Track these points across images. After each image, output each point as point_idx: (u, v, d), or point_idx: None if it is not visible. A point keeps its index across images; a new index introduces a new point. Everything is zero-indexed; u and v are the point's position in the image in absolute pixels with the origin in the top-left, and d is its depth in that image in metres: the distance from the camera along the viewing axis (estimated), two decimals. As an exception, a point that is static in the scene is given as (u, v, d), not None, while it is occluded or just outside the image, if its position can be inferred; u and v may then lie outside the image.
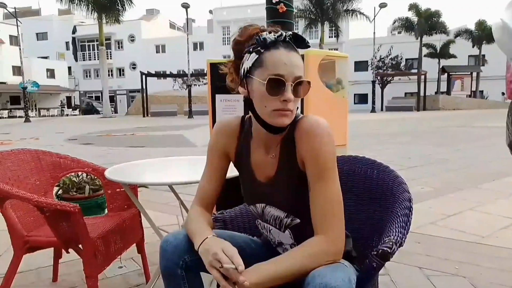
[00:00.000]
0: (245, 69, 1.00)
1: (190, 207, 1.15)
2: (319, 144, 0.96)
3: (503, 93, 29.83)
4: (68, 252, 1.71)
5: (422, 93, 30.35)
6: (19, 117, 33.03)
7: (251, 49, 0.99)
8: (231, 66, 1.08)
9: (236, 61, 1.06)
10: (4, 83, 37.88)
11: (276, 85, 0.96)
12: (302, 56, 1.02)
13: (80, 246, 1.61)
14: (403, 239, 0.96)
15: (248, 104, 1.03)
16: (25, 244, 1.68)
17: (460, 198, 3.75)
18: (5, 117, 35.04)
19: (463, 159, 6.35)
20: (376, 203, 1.28)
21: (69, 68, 47.32)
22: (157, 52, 46.63)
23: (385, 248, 0.89)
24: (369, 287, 1.02)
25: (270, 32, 0.99)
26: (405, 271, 2.13)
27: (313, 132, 0.97)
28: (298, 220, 1.06)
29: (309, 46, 1.02)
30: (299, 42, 1.00)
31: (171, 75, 33.58)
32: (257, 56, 0.98)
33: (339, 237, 0.95)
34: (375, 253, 0.90)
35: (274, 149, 1.05)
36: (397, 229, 1.00)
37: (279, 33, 0.98)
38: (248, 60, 0.99)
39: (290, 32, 0.99)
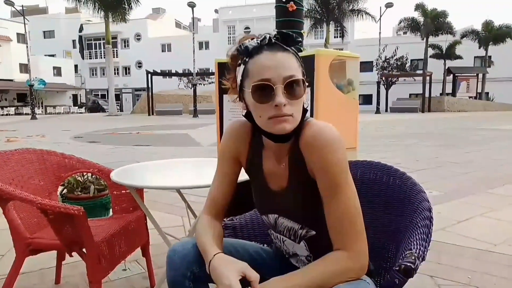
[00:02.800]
0: (238, 83, 0.95)
1: (199, 216, 1.10)
2: (326, 154, 0.89)
3: None
4: (71, 256, 1.67)
5: (427, 95, 30.14)
6: (26, 114, 33.26)
7: (239, 61, 0.94)
8: (232, 82, 1.01)
9: (234, 76, 1.00)
10: (11, 80, 38.12)
11: (263, 91, 0.89)
12: (298, 53, 0.94)
13: (84, 250, 1.57)
14: (425, 252, 0.91)
15: (249, 117, 0.97)
16: (28, 247, 1.64)
17: (470, 203, 3.68)
18: (12, 114, 35.28)
19: (472, 162, 6.25)
20: (392, 211, 1.23)
21: (76, 66, 47.59)
22: (162, 51, 46.76)
23: (408, 264, 0.84)
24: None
25: (252, 39, 0.93)
26: (416, 280, 2.03)
27: (317, 142, 0.90)
28: (313, 232, 1.00)
29: (299, 41, 0.94)
30: (287, 40, 0.92)
31: (176, 74, 33.60)
32: (244, 66, 0.92)
33: (363, 252, 0.90)
34: (397, 268, 0.85)
35: (284, 158, 0.99)
36: (418, 242, 0.94)
37: (263, 36, 0.92)
38: (239, 73, 0.94)
39: (275, 32, 0.93)
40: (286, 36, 0.92)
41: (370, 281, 0.93)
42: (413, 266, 0.84)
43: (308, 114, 0.98)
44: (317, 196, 0.94)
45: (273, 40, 0.91)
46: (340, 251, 0.89)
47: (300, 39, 0.95)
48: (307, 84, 0.96)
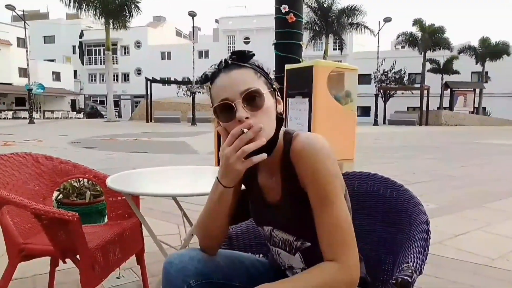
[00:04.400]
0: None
1: (195, 224, 1.09)
2: (314, 163, 0.88)
3: None
4: (65, 262, 1.65)
5: (424, 108, 30.34)
6: (24, 118, 33.16)
7: (208, 90, 0.96)
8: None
9: None
10: (10, 84, 38.10)
11: (224, 111, 0.89)
12: (258, 66, 0.94)
13: (77, 256, 1.55)
14: (422, 266, 0.90)
15: None
16: (21, 252, 1.62)
17: (467, 217, 3.67)
18: (9, 118, 35.17)
19: (469, 176, 6.27)
20: (390, 223, 1.22)
21: (75, 71, 47.65)
22: (162, 58, 46.95)
23: (405, 277, 0.83)
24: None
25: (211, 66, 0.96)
26: (412, 293, 2.05)
27: (306, 153, 0.89)
28: (308, 244, 0.99)
29: (253, 55, 0.95)
30: (242, 57, 0.93)
31: (175, 82, 33.69)
32: (210, 93, 0.94)
33: (354, 265, 0.88)
34: (394, 282, 0.84)
35: (276, 172, 0.98)
36: (415, 255, 0.93)
37: (220, 61, 0.94)
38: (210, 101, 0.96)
39: (231, 53, 0.94)
40: (241, 54, 0.93)
41: None
42: (410, 280, 0.83)
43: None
44: (311, 208, 0.93)
45: (229, 62, 0.92)
46: (331, 262, 0.88)
47: (253, 53, 0.95)
48: (277, 92, 0.96)
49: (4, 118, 34.49)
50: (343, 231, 0.89)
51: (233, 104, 0.88)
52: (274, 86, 0.96)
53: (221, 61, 0.93)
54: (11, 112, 37.10)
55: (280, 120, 0.96)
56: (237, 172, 0.88)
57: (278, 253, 1.07)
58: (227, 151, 0.87)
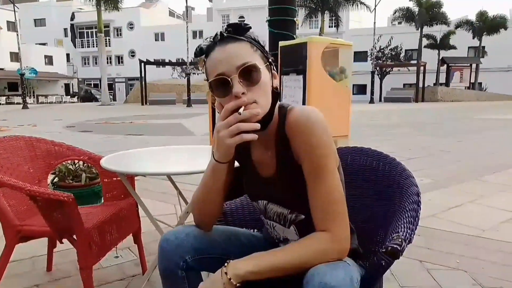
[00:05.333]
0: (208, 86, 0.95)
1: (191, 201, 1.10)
2: (309, 136, 0.89)
3: None
4: (62, 243, 1.67)
5: (421, 85, 30.24)
6: (17, 103, 32.84)
7: (203, 63, 0.94)
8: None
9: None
10: (2, 69, 37.53)
11: (220, 86, 0.88)
12: (254, 42, 0.92)
13: (74, 236, 1.56)
14: (412, 235, 0.91)
15: None
16: (18, 234, 1.63)
17: (461, 191, 3.72)
18: (2, 104, 34.79)
19: (464, 151, 6.31)
20: (382, 196, 1.23)
21: (68, 55, 46.91)
22: (156, 40, 46.23)
23: (394, 245, 0.85)
24: (376, 285, 0.98)
25: (206, 39, 0.94)
26: (405, 265, 2.09)
27: (300, 125, 0.90)
28: (302, 216, 1.00)
29: (249, 28, 0.93)
30: (238, 30, 0.91)
31: (170, 63, 33.28)
32: (205, 67, 0.93)
33: (345, 235, 0.90)
34: (383, 250, 0.86)
35: (271, 146, 0.99)
36: (405, 225, 0.95)
37: (215, 34, 0.92)
38: (205, 75, 0.94)
39: (226, 25, 0.92)
40: (237, 26, 0.91)
41: (352, 262, 0.93)
42: (399, 248, 0.85)
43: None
44: (305, 181, 0.94)
45: (225, 34, 0.91)
46: (323, 232, 0.89)
47: (250, 25, 0.93)
48: (272, 66, 0.95)
49: (-3, 104, 34.16)
50: (335, 203, 0.90)
51: (229, 79, 0.87)
52: (270, 60, 0.95)
53: (216, 34, 0.92)
54: (4, 98, 36.64)
55: (276, 94, 0.96)
56: (227, 146, 0.88)
57: (273, 226, 1.08)
58: (219, 125, 0.87)
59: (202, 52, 0.93)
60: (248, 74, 0.88)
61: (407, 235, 0.90)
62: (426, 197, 3.41)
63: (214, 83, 0.89)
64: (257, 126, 0.86)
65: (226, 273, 0.84)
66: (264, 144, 0.99)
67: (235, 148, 0.93)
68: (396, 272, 2.00)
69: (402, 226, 0.95)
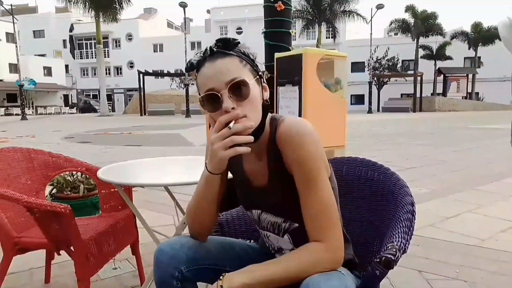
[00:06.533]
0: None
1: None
2: (299, 148, 0.90)
3: None
4: (59, 254, 1.66)
5: (418, 95, 30.44)
6: (16, 114, 32.87)
7: (194, 78, 0.97)
8: None
9: None
10: (1, 80, 37.61)
11: (211, 100, 0.90)
12: (243, 56, 0.94)
13: (71, 248, 1.56)
14: (407, 245, 0.92)
15: None
16: (15, 246, 1.63)
17: (458, 200, 3.73)
18: (1, 115, 34.79)
19: (461, 160, 6.33)
20: (377, 206, 1.24)
21: (66, 66, 47.09)
22: (154, 51, 46.52)
23: (389, 255, 0.85)
24: (371, 295, 0.98)
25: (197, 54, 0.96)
26: (404, 275, 2.09)
27: (291, 138, 0.91)
28: (296, 224, 1.01)
29: (238, 43, 0.95)
30: (227, 45, 0.93)
31: (168, 74, 33.45)
32: (196, 82, 0.95)
33: (339, 245, 0.91)
34: (378, 260, 0.86)
35: (263, 156, 1.00)
36: (400, 234, 0.96)
37: (204, 49, 0.94)
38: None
39: (216, 40, 0.95)
40: (226, 41, 0.93)
41: (347, 271, 0.94)
42: (393, 258, 0.85)
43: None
44: (297, 191, 0.95)
45: (214, 50, 0.92)
46: (316, 243, 0.90)
47: (238, 40, 0.95)
48: (262, 79, 0.96)
49: (-4, 115, 34.15)
50: (327, 213, 0.91)
51: (219, 94, 0.89)
52: (260, 74, 0.97)
53: (206, 49, 0.94)
54: (3, 109, 36.68)
55: (266, 107, 0.97)
56: (221, 158, 0.89)
57: (267, 236, 1.09)
58: (213, 138, 0.89)
59: (193, 67, 0.94)
60: (238, 89, 0.89)
61: (402, 244, 0.91)
62: (423, 206, 3.42)
63: (205, 98, 0.91)
64: (251, 139, 0.87)
65: (221, 286, 0.85)
66: (256, 155, 1.01)
67: (228, 160, 0.94)
68: (396, 283, 2.00)
69: (397, 235, 0.96)
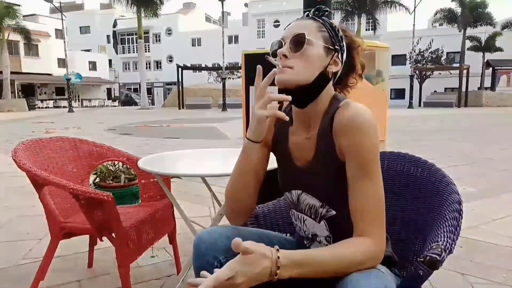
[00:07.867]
0: None
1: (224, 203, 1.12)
2: (360, 138, 0.88)
3: None
4: (102, 240, 1.74)
5: (463, 89, 28.89)
6: (63, 107, 34.66)
7: None
8: None
9: None
10: (50, 74, 39.73)
11: (277, 47, 0.99)
12: (326, 24, 0.98)
13: (113, 234, 1.62)
14: (453, 245, 0.87)
15: None
16: (62, 230, 1.71)
17: (506, 201, 3.51)
18: (50, 107, 36.87)
19: (509, 159, 5.96)
20: (420, 203, 1.19)
21: (110, 60, 48.97)
22: (193, 45, 47.31)
23: (434, 255, 0.81)
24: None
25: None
26: (447, 277, 2.00)
27: (354, 124, 0.89)
28: (333, 212, 0.99)
29: (326, 11, 1.00)
30: (317, 11, 1.01)
31: (206, 68, 33.92)
32: None
33: (382, 242, 0.88)
34: (422, 260, 0.82)
35: (313, 131, 0.99)
36: (445, 234, 0.91)
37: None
38: None
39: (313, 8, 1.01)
40: (318, 9, 1.01)
41: (386, 270, 0.90)
42: (438, 258, 0.81)
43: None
44: (340, 177, 0.93)
45: (309, 15, 1.01)
46: (362, 238, 0.87)
47: (327, 9, 1.02)
48: (336, 53, 0.97)
49: (46, 107, 36.18)
50: (377, 207, 0.89)
51: (284, 42, 0.97)
52: (335, 47, 0.98)
53: (304, 12, 1.05)
54: (51, 102, 38.81)
55: (325, 77, 0.97)
56: (258, 118, 0.96)
57: (303, 220, 1.07)
58: (253, 102, 0.96)
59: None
60: (297, 42, 0.95)
61: (448, 244, 0.86)
62: (468, 206, 3.25)
63: (273, 43, 1.01)
64: (288, 98, 0.93)
65: (278, 257, 0.81)
66: (303, 127, 1.01)
67: (273, 139, 0.99)
68: (437, 285, 1.91)
69: (442, 235, 0.91)
